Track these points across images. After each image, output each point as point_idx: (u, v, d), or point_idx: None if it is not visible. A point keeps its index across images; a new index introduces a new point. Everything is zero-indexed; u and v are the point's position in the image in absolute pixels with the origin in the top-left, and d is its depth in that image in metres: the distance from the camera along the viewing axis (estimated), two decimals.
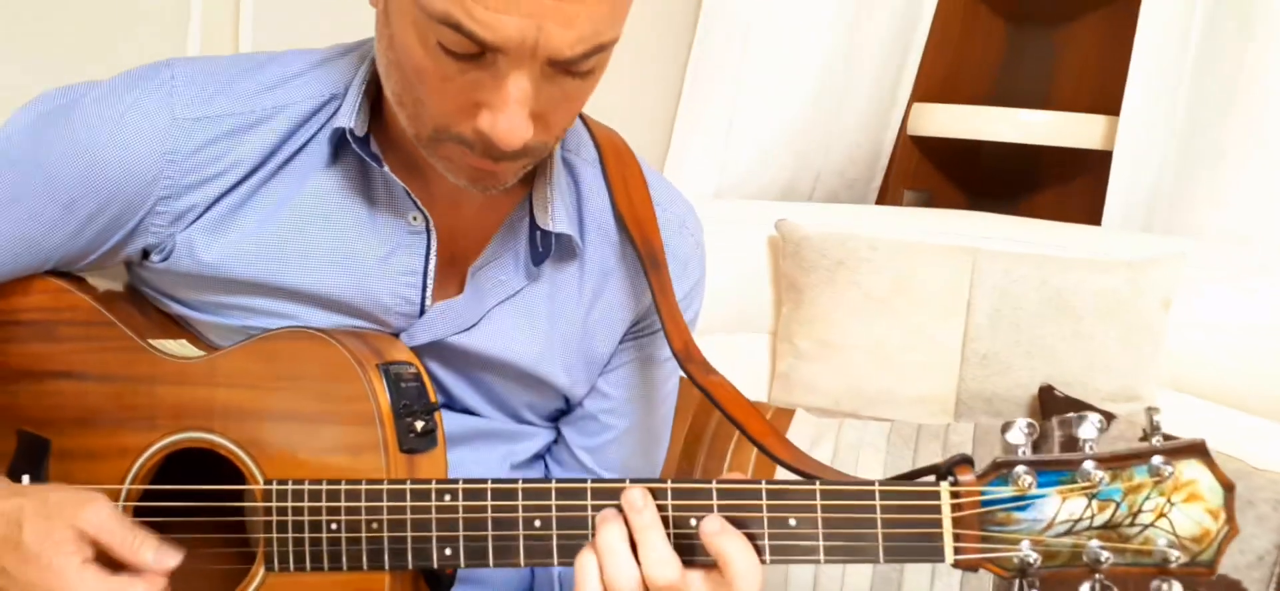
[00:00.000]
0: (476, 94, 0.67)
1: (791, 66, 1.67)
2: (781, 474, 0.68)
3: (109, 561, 0.72)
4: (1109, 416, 1.21)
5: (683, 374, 0.81)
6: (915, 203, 1.99)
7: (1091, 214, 1.74)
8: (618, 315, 0.87)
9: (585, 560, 0.67)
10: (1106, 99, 1.77)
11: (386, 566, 0.73)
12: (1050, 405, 1.31)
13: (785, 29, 1.64)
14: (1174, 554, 0.58)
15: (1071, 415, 0.62)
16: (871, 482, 0.63)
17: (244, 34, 1.17)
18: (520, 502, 0.70)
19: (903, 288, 1.36)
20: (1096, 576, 0.59)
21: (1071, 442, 0.61)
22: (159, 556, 0.72)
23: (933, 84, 1.92)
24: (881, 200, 1.98)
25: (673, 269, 0.84)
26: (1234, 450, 1.21)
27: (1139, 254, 1.38)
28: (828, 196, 1.85)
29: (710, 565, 0.66)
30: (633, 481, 0.68)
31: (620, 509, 0.67)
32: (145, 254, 0.81)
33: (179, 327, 0.85)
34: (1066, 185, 1.99)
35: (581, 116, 0.88)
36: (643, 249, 0.82)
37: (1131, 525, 0.59)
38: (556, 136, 0.74)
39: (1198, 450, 0.59)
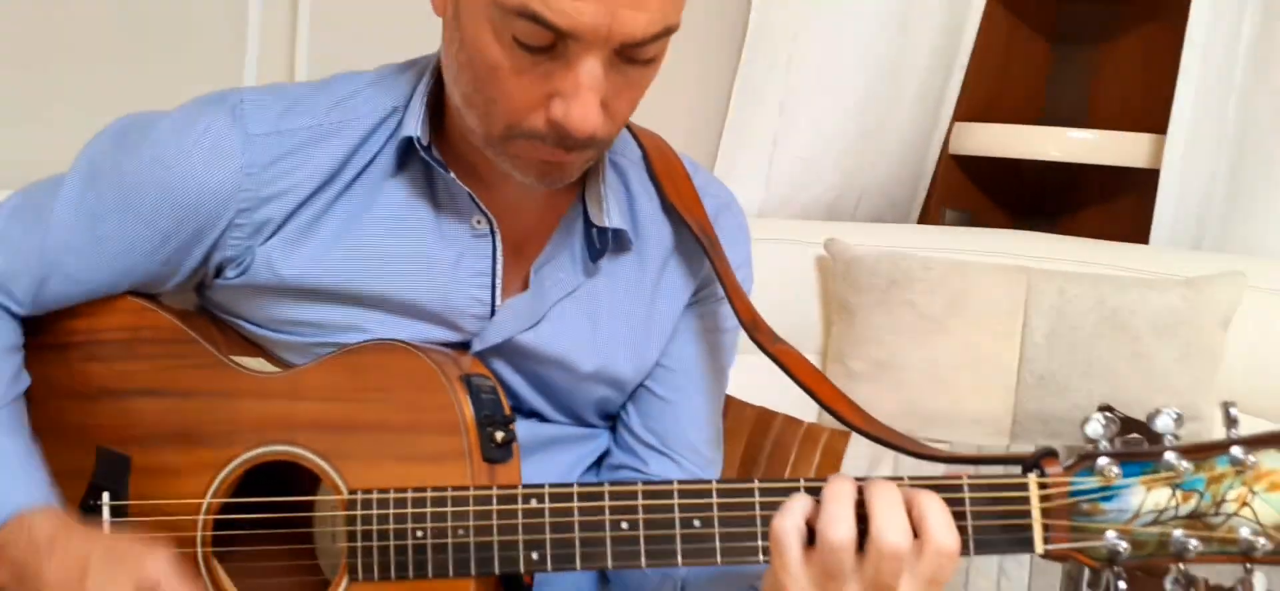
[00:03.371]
0: (549, 84, 0.73)
1: (836, 87, 1.73)
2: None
3: None
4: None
5: (752, 342, 0.87)
6: (956, 222, 2.05)
7: (1135, 232, 1.79)
8: (680, 298, 0.93)
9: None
10: (1150, 117, 1.82)
11: (473, 572, 0.77)
12: (1110, 426, 1.36)
13: (829, 49, 1.70)
14: (1259, 542, 0.63)
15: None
16: (959, 477, 0.68)
17: (300, 63, 1.24)
18: (607, 504, 0.74)
19: (957, 307, 1.41)
20: (1180, 566, 0.64)
21: (1151, 436, 0.66)
22: None
23: (975, 103, 1.98)
24: (923, 219, 2.03)
25: (723, 244, 0.90)
26: None
27: (1196, 272, 1.43)
28: (871, 215, 1.91)
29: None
30: (719, 482, 0.73)
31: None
32: (219, 270, 0.86)
33: (255, 347, 0.89)
34: (1109, 204, 2.04)
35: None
36: (697, 231, 0.89)
37: (1216, 515, 0.63)
38: (618, 126, 0.79)
39: (1276, 440, 0.64)
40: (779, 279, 1.52)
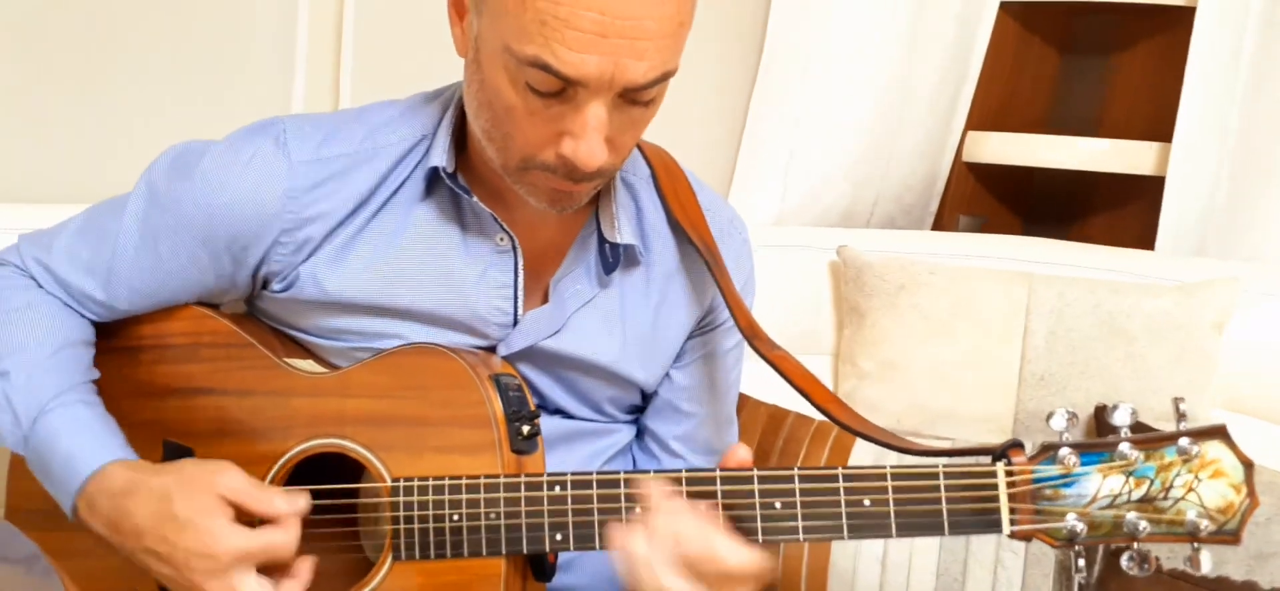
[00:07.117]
0: (559, 125, 0.82)
1: (850, 98, 1.80)
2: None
3: (248, 520, 0.85)
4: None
5: (751, 350, 0.95)
6: (970, 228, 2.11)
7: (1144, 239, 1.84)
8: (683, 312, 1.01)
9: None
10: (1158, 125, 1.87)
11: (503, 551, 0.85)
12: (1105, 424, 1.42)
13: (844, 62, 1.77)
14: (1203, 523, 0.70)
15: (1108, 406, 0.74)
16: (935, 466, 0.75)
17: (344, 89, 1.33)
18: (623, 491, 0.83)
19: (962, 311, 1.47)
20: (1135, 544, 0.72)
21: (1109, 429, 0.74)
22: (290, 502, 0.86)
23: (987, 112, 2.04)
24: (937, 225, 2.09)
25: (727, 263, 0.98)
26: None
27: (1191, 277, 1.49)
28: (885, 221, 1.97)
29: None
30: (723, 471, 0.81)
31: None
32: (265, 283, 0.95)
33: (304, 350, 0.98)
34: (1119, 210, 2.09)
35: None
36: (701, 248, 0.97)
37: (1165, 499, 0.71)
38: (623, 158, 0.88)
39: (1220, 432, 0.71)
40: (794, 284, 1.59)
